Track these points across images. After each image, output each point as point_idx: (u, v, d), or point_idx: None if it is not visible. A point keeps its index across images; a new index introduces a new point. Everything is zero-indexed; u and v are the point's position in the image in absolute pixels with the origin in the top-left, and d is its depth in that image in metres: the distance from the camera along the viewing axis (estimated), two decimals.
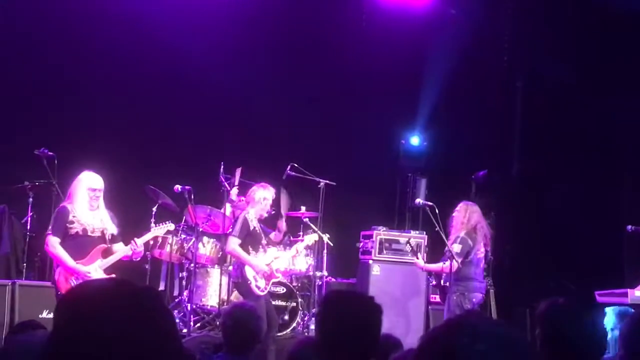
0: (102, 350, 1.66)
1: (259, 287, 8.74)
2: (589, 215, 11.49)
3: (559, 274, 11.49)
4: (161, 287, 10.62)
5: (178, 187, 9.13)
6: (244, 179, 10.05)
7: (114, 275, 7.79)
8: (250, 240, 8.87)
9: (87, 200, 7.84)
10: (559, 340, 3.66)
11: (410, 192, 12.35)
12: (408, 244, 10.14)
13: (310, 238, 9.82)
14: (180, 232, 10.10)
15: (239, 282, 8.89)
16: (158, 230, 8.75)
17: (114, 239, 7.98)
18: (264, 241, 9.06)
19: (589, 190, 11.92)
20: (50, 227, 7.87)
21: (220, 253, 10.03)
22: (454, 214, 9.26)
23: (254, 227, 8.90)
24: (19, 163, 10.22)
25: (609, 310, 6.20)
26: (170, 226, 8.98)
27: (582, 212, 11.50)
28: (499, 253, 12.26)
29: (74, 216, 7.78)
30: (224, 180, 9.90)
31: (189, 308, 9.47)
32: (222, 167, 9.93)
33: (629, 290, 9.02)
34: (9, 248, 10.07)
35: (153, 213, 10.11)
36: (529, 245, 12.43)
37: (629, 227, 9.89)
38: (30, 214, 9.98)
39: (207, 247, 10.27)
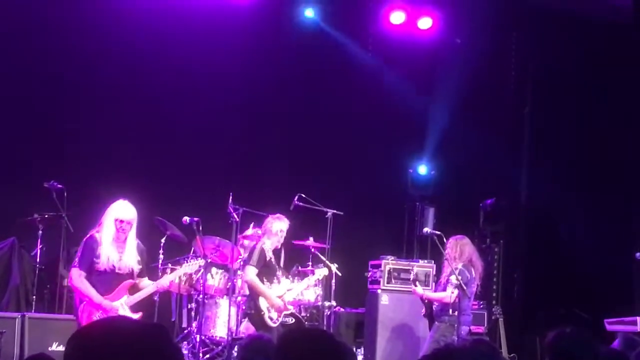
0: None
1: (271, 319, 8.77)
2: (599, 243, 11.45)
3: (568, 302, 11.44)
4: (172, 319, 10.61)
5: (186, 218, 9.08)
6: (253, 210, 10.07)
7: (140, 314, 7.70)
8: (265, 271, 8.91)
9: (114, 232, 7.45)
10: None
11: (419, 221, 12.35)
12: (412, 273, 10.19)
13: (320, 272, 9.84)
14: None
15: (251, 313, 8.89)
16: (188, 267, 8.53)
17: (140, 274, 7.66)
18: (278, 272, 9.09)
19: (598, 217, 11.90)
20: (76, 260, 7.51)
21: (229, 284, 10.01)
22: (446, 251, 9.24)
23: (270, 258, 8.95)
24: (28, 196, 10.28)
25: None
26: (201, 262, 8.85)
27: (591, 240, 11.46)
28: (508, 281, 12.24)
29: (100, 250, 7.40)
30: (232, 211, 9.90)
31: (197, 339, 9.44)
32: (230, 197, 9.95)
33: (638, 318, 8.99)
34: (19, 281, 10.09)
35: (161, 245, 10.13)
36: (539, 273, 12.39)
37: (638, 254, 9.85)
38: (39, 246, 10.00)
39: (215, 278, 10.25)
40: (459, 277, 8.87)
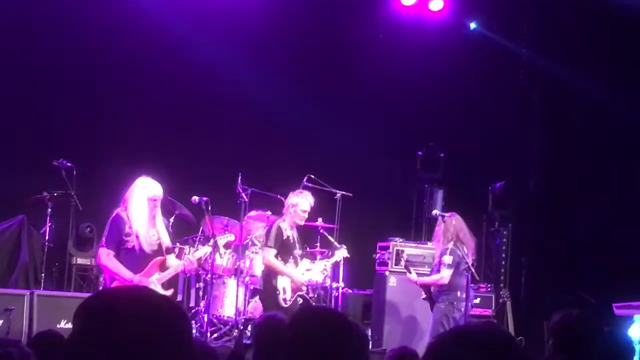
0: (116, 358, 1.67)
1: (285, 300, 8.68)
2: (607, 227, 11.42)
3: (576, 286, 11.43)
4: (178, 298, 10.64)
5: (195, 198, 9.09)
6: (261, 190, 10.09)
7: (172, 290, 7.81)
8: (282, 250, 8.78)
9: (147, 210, 7.36)
10: (572, 352, 3.65)
11: (427, 204, 12.32)
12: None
13: (340, 254, 9.71)
14: (197, 243, 10.13)
15: (265, 292, 8.83)
16: (221, 239, 8.67)
17: (167, 251, 7.62)
18: (297, 252, 8.94)
19: (606, 202, 11.86)
20: (103, 239, 7.41)
21: (237, 264, 10.03)
22: (435, 230, 9.22)
23: (288, 236, 8.80)
24: (37, 174, 10.30)
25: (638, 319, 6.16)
26: (230, 236, 8.92)
27: (600, 224, 11.44)
28: (516, 265, 12.23)
29: (130, 227, 7.29)
30: (241, 191, 9.91)
31: (205, 319, 9.47)
32: (239, 178, 9.96)
33: None
34: (28, 258, 10.13)
35: (170, 224, 10.14)
36: (547, 256, 12.38)
37: None
38: (48, 224, 10.02)
39: (224, 258, 10.27)
40: (451, 257, 8.89)
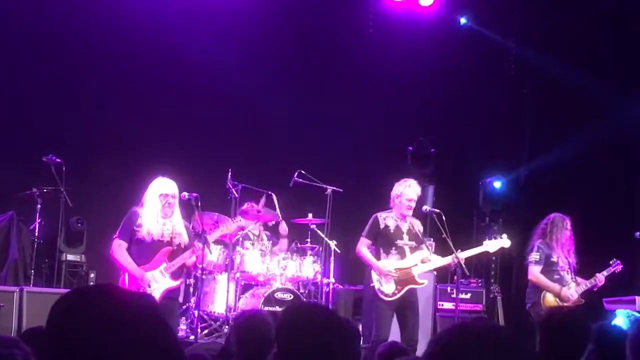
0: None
1: (382, 292, 8.30)
2: (598, 222, 11.44)
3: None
4: None
5: (185, 194, 9.03)
6: (251, 185, 10.07)
7: (181, 280, 8.08)
8: (381, 240, 8.50)
9: (160, 207, 7.77)
10: (561, 348, 3.65)
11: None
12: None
13: (497, 244, 9.15)
14: None
15: (364, 282, 8.72)
16: (226, 228, 8.78)
17: (185, 249, 7.94)
18: (402, 242, 8.52)
19: (598, 196, 11.88)
20: (117, 231, 7.81)
21: (228, 260, 10.00)
22: (568, 232, 9.41)
23: (387, 226, 8.51)
24: (26, 170, 10.26)
25: (619, 313, 6.18)
26: (241, 222, 9.03)
27: (591, 219, 11.45)
28: (506, 259, 12.24)
29: (141, 219, 7.73)
30: (231, 187, 9.89)
31: (196, 315, 9.44)
32: (229, 173, 9.93)
33: (637, 297, 9.00)
34: (17, 255, 10.09)
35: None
36: None
37: (637, 233, 9.84)
38: (38, 220, 10.00)
39: (214, 254, 10.22)
40: None
